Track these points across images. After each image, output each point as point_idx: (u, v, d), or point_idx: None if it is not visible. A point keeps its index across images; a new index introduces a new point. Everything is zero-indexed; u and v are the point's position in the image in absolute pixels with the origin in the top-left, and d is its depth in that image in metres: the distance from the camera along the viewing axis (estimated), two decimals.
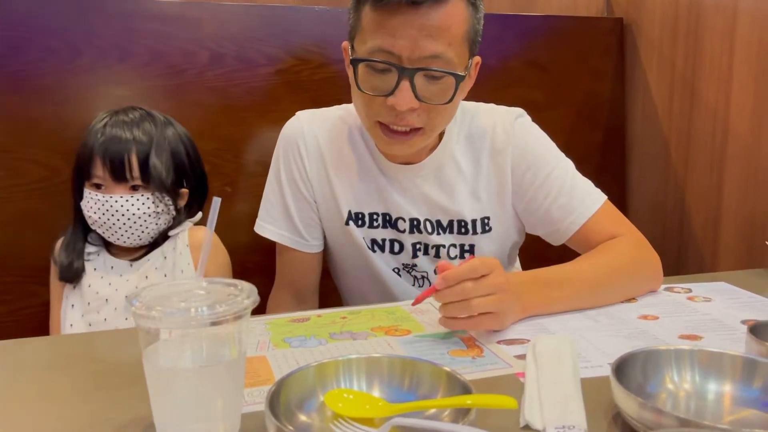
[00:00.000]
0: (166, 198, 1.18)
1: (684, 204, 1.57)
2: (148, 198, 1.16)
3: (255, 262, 1.44)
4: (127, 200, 1.15)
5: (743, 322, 0.88)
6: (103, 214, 1.14)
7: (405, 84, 0.91)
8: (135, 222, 1.16)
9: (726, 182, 1.44)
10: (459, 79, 0.93)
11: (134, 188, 1.16)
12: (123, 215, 1.15)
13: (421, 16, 0.88)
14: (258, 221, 1.16)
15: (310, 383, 0.61)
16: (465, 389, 0.58)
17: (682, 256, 1.58)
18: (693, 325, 0.87)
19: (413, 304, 0.84)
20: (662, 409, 0.54)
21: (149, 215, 1.17)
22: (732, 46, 1.40)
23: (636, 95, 1.73)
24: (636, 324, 0.88)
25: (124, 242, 1.18)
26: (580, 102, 1.72)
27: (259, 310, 1.07)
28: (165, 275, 1.21)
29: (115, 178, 1.14)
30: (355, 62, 0.94)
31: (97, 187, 1.16)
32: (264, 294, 1.21)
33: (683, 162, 1.57)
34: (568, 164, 1.10)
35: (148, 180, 1.16)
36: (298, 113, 1.16)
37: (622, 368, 0.61)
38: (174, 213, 1.22)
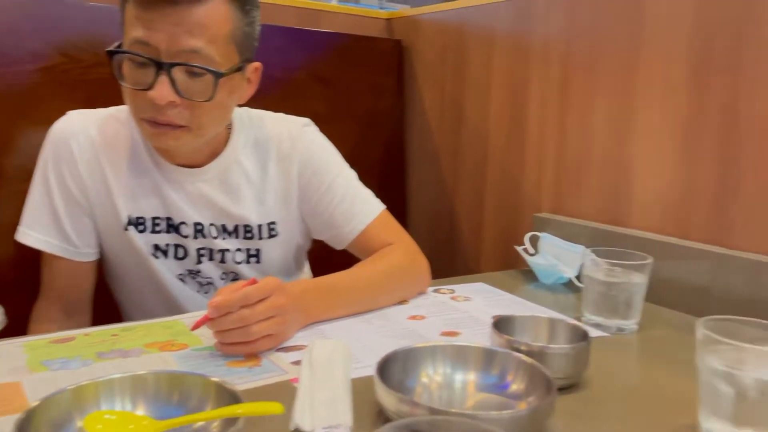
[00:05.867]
0: None
1: (453, 214, 1.73)
2: None
3: (14, 277, 1.29)
4: None
5: (493, 317, 0.99)
6: None
7: (163, 78, 0.90)
8: None
9: (487, 194, 1.61)
10: (217, 76, 0.93)
11: None
12: None
13: (179, 11, 0.89)
14: (20, 228, 1.05)
15: (66, 408, 0.56)
16: (234, 399, 0.58)
17: (454, 261, 1.73)
18: (453, 322, 0.97)
19: (192, 329, 0.82)
20: (417, 402, 0.60)
21: None
22: (489, 73, 1.58)
23: (413, 112, 1.87)
24: (406, 324, 0.95)
25: None
26: (362, 116, 1.81)
27: (21, 331, 0.96)
28: None
29: None
30: (110, 54, 0.93)
31: None
32: (26, 315, 1.10)
33: (453, 176, 1.73)
34: (351, 173, 1.16)
35: None
36: (69, 113, 1.08)
37: (386, 366, 0.66)
38: None
